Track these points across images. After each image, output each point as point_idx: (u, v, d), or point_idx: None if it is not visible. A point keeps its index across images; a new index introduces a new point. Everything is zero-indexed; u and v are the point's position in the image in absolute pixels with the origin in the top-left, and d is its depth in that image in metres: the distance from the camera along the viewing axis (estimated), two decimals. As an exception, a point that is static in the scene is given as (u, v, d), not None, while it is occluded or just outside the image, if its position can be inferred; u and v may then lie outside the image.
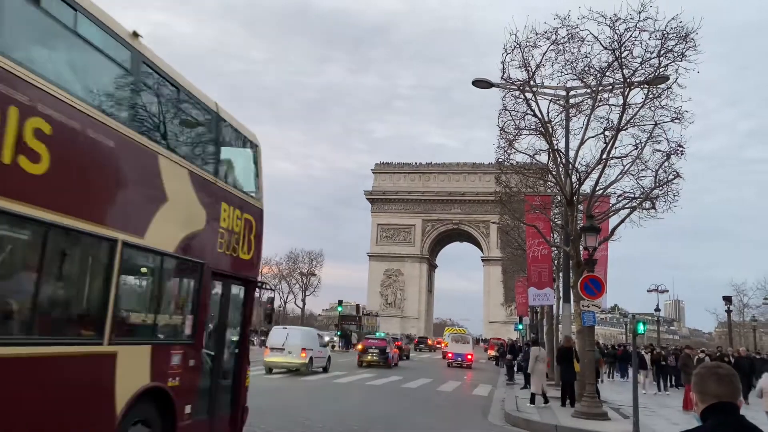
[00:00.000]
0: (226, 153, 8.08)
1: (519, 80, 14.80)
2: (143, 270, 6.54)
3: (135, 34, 5.82)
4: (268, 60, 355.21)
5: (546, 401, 15.57)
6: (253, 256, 8.50)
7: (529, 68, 14.50)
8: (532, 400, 15.61)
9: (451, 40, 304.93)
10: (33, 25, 4.71)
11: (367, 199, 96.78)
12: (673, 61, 13.53)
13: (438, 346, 61.33)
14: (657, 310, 57.73)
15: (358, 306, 74.00)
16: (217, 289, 7.78)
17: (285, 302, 77.54)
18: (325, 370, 24.44)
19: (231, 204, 7.83)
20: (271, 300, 10.81)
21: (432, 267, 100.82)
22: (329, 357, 25.66)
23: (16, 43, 4.45)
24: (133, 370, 5.73)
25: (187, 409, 6.71)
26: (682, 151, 14.34)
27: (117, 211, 5.58)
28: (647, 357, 24.64)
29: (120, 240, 5.43)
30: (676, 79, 13.66)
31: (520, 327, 43.17)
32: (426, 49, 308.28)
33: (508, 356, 26.96)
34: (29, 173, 4.36)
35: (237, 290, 8.41)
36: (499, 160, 17.55)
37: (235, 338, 8.43)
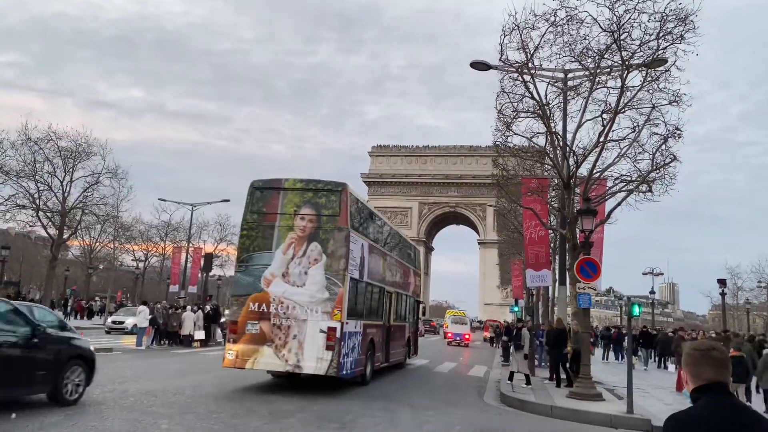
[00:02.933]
0: (416, 255, 23.83)
1: (517, 62, 14.75)
2: (409, 302, 21.63)
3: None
4: (256, 39, 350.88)
5: (511, 379, 16.05)
6: (420, 291, 24.65)
7: (527, 50, 14.44)
8: (528, 381, 15.80)
9: (442, 19, 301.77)
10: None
11: (364, 182, 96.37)
12: (672, 44, 13.49)
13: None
14: (652, 292, 58.08)
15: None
16: (415, 304, 22.73)
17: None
18: None
19: (416, 275, 23.17)
20: (423, 308, 27.76)
21: (429, 250, 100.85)
22: None
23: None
24: (407, 330, 21.43)
25: (411, 343, 22.19)
26: (679, 134, 14.36)
27: (407, 286, 21.26)
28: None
29: (408, 294, 21.34)
30: (675, 61, 13.64)
31: (516, 309, 43.40)
32: (417, 28, 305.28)
33: (504, 338, 27.13)
34: (404, 283, 20.74)
35: (417, 304, 23.10)
36: (497, 142, 17.53)
37: (417, 322, 23.94)
